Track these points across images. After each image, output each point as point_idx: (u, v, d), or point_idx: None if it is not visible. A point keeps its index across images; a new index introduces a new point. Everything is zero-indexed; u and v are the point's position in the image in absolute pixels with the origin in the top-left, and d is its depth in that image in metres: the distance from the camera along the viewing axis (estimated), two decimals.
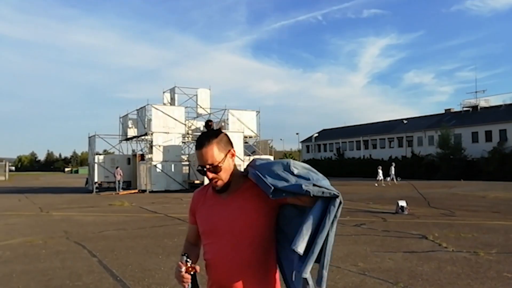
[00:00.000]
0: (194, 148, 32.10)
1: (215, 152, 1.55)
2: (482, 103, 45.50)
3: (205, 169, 1.56)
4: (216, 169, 1.55)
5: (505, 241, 7.72)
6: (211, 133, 1.59)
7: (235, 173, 1.62)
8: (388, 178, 30.06)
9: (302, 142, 63.84)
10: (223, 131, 1.65)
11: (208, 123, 1.63)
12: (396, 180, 30.46)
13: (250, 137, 29.19)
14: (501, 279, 5.24)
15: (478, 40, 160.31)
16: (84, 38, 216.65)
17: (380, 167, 30.15)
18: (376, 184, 28.47)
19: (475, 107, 45.52)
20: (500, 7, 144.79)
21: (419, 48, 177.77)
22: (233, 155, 1.62)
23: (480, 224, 9.81)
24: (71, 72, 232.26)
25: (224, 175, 1.57)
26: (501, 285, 4.98)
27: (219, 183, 1.58)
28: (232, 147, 1.63)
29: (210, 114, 28.74)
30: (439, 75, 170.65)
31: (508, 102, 43.54)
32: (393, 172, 30.29)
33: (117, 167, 25.83)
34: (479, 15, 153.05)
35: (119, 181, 25.23)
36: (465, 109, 46.72)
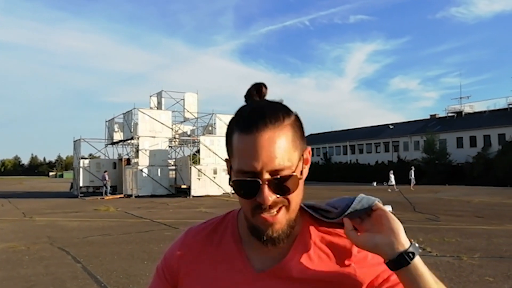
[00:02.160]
0: (180, 152, 32.62)
1: (287, 143, 0.73)
2: (467, 109, 46.52)
3: (259, 181, 0.71)
4: (284, 184, 0.73)
5: (488, 246, 7.89)
6: (281, 108, 0.76)
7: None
8: (411, 183, 29.19)
9: None
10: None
11: (259, 87, 0.80)
12: (413, 184, 29.12)
13: None
14: (483, 283, 5.37)
15: (463, 47, 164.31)
16: (72, 41, 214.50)
17: (392, 171, 28.91)
18: (390, 190, 26.78)
19: (459, 113, 46.50)
20: (484, 14, 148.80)
21: (405, 54, 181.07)
22: (306, 161, 0.80)
23: (464, 229, 10.00)
24: (59, 75, 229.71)
25: (294, 205, 0.76)
26: None
27: (279, 223, 0.75)
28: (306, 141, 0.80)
29: (197, 118, 28.73)
30: (424, 81, 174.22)
31: (492, 108, 44.66)
32: (413, 176, 29.46)
33: (105, 171, 25.67)
34: (464, 22, 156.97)
35: (105, 185, 25.05)
36: (450, 114, 47.69)
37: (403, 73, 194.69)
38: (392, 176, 27.87)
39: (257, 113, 0.74)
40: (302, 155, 0.78)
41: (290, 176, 0.73)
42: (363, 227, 0.77)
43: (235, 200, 21.81)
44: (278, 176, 0.72)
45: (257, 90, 0.79)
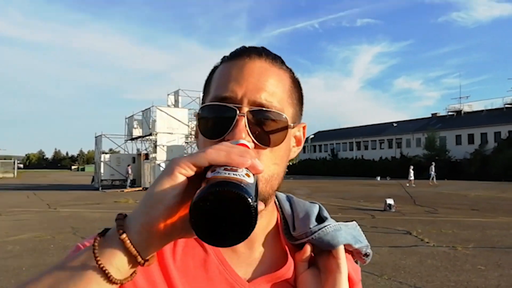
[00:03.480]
0: (195, 148, 32.76)
1: (283, 86, 0.57)
2: (466, 108, 45.98)
3: (236, 109, 0.52)
4: (267, 127, 0.53)
5: (481, 237, 7.86)
6: (277, 56, 0.60)
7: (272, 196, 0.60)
8: (431, 178, 28.55)
9: None
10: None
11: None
12: (432, 180, 28.30)
13: None
14: (475, 271, 5.37)
15: (463, 49, 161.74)
16: (95, 42, 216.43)
17: (412, 167, 28.33)
18: (408, 184, 26.45)
19: (459, 112, 45.96)
20: (484, 19, 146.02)
21: (409, 56, 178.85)
22: (298, 141, 0.62)
23: (460, 221, 9.93)
24: (81, 73, 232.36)
25: (271, 167, 0.54)
26: (475, 277, 5.11)
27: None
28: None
29: None
30: (426, 81, 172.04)
31: (489, 107, 44.12)
32: (433, 171, 28.58)
33: (128, 165, 26.24)
34: (464, 26, 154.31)
35: (127, 178, 25.47)
36: (450, 113, 47.17)
37: (406, 74, 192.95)
38: (411, 172, 27.55)
39: (254, 47, 0.58)
40: (293, 126, 0.56)
41: (280, 116, 0.53)
42: (312, 261, 0.60)
43: None
44: (263, 109, 0.52)
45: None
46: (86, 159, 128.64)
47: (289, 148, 0.58)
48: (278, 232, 0.63)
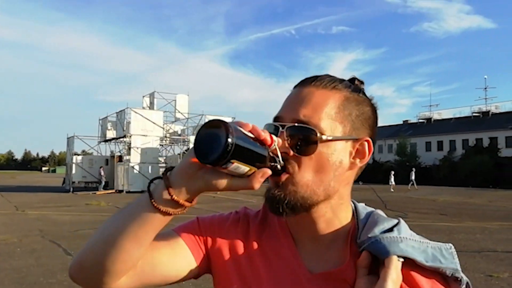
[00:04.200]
0: (170, 151, 32.53)
1: (326, 105, 0.65)
2: (436, 116, 47.74)
3: (278, 125, 0.65)
4: (299, 137, 0.63)
5: (448, 241, 7.65)
6: (346, 81, 0.71)
7: (343, 206, 0.71)
8: (410, 183, 29.14)
9: None
10: (374, 101, 0.73)
11: (353, 80, 0.73)
12: (412, 185, 28.91)
13: None
14: None
15: (434, 59, 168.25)
16: (70, 41, 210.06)
17: (393, 172, 29.06)
18: (392, 190, 26.42)
19: (429, 120, 47.66)
20: (453, 30, 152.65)
21: (382, 64, 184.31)
22: (359, 155, 0.69)
23: (429, 225, 10.24)
24: (55, 73, 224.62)
25: (309, 174, 0.64)
26: None
27: (283, 180, 0.64)
28: (373, 138, 0.70)
29: (187, 118, 28.58)
30: (399, 88, 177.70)
31: (457, 115, 45.94)
32: (413, 177, 29.16)
33: (101, 167, 25.61)
34: (435, 37, 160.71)
35: (100, 180, 24.84)
36: (420, 121, 48.82)
37: (380, 81, 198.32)
38: (392, 177, 28.39)
39: (315, 76, 0.69)
40: (353, 141, 0.66)
41: (309, 130, 0.62)
42: (375, 269, 0.65)
43: (221, 196, 21.72)
44: (296, 124, 0.63)
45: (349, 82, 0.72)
46: (58, 161, 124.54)
47: (336, 160, 0.65)
48: (348, 238, 0.70)
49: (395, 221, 0.69)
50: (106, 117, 29.04)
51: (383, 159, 44.76)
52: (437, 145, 42.53)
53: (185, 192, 0.60)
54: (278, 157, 0.60)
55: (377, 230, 0.66)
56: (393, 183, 28.12)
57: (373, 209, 0.76)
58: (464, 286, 0.64)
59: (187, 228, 0.76)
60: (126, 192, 23.57)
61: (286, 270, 0.69)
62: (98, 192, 23.36)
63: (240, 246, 0.72)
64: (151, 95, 28.81)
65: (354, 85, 0.71)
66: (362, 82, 0.73)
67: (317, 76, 0.68)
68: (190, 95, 29.50)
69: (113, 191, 24.36)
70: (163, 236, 0.71)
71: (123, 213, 0.65)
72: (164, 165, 27.13)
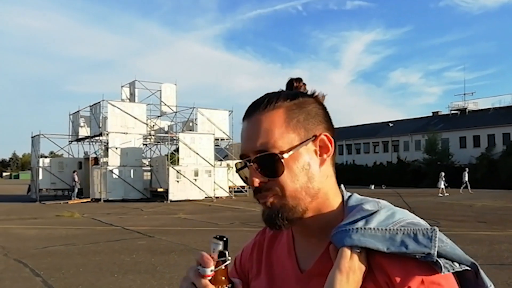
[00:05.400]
0: (156, 151, 32.41)
1: (274, 125, 0.81)
2: (471, 106, 47.63)
3: (247, 163, 0.82)
4: (266, 164, 0.80)
5: (489, 252, 8.18)
6: (282, 93, 0.86)
7: (330, 201, 0.85)
8: (463, 186, 28.79)
9: None
10: (316, 95, 0.89)
11: (289, 82, 0.91)
12: (465, 187, 28.77)
13: (222, 139, 29.24)
14: None
15: (467, 39, 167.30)
16: (27, 20, 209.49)
17: (443, 173, 28.31)
18: (441, 194, 26.24)
19: (463, 111, 47.56)
20: (490, 4, 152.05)
21: (406, 45, 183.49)
22: (324, 149, 0.84)
23: (465, 235, 10.27)
24: (11, 60, 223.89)
25: (289, 191, 0.80)
26: None
27: (270, 201, 0.81)
28: (330, 130, 0.86)
29: (176, 112, 28.60)
30: (426, 74, 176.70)
31: (497, 105, 45.71)
32: (466, 178, 28.93)
33: (74, 171, 25.71)
34: (468, 12, 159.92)
35: (74, 187, 25.06)
36: (453, 112, 48.74)
37: (404, 66, 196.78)
38: (443, 178, 27.39)
39: (255, 101, 0.87)
40: (306, 141, 0.83)
41: (270, 155, 0.80)
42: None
43: (218, 205, 21.72)
44: (258, 155, 0.81)
45: (287, 86, 0.91)
46: (21, 164, 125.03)
47: (304, 164, 0.82)
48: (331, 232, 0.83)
49: (373, 210, 0.81)
50: (78, 111, 29.13)
51: (409, 158, 44.82)
52: (473, 140, 42.51)
53: None
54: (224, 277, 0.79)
55: (343, 222, 0.80)
56: (443, 186, 27.20)
57: (371, 199, 0.87)
58: (444, 270, 0.72)
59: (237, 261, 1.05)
60: (104, 201, 23.68)
61: (282, 273, 0.90)
62: (70, 202, 23.45)
63: (255, 267, 0.97)
64: (131, 85, 28.86)
65: (294, 88, 0.90)
66: (300, 80, 0.91)
67: (256, 102, 0.86)
68: (178, 84, 29.53)
69: (89, 199, 24.47)
70: None
71: None
72: (148, 168, 27.23)
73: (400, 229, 0.76)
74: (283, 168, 0.80)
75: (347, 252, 0.76)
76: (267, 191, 0.81)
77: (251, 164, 0.81)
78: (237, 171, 0.88)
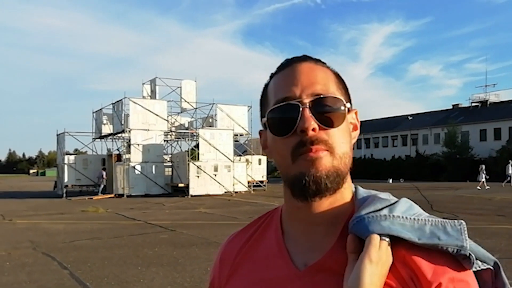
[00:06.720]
0: (177, 147, 32.59)
1: (329, 80, 0.75)
2: (492, 98, 46.39)
3: (298, 104, 0.70)
4: (327, 110, 0.71)
5: (508, 246, 8.05)
6: (318, 59, 0.80)
7: (347, 186, 0.77)
8: (506, 180, 27.79)
9: None
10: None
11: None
12: (509, 181, 27.59)
13: (241, 135, 29.32)
14: None
15: (489, 29, 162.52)
16: (49, 19, 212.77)
17: (483, 166, 27.23)
18: (479, 188, 25.19)
19: (484, 103, 46.37)
20: None
21: (426, 37, 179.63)
22: (354, 128, 0.78)
23: (484, 229, 10.10)
24: (35, 59, 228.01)
25: (339, 150, 0.71)
26: None
27: (323, 165, 0.69)
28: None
29: (196, 109, 28.75)
30: (447, 66, 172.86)
31: None
32: (510, 171, 27.75)
33: (103, 168, 26.47)
34: (491, 1, 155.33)
35: (101, 183, 25.72)
36: (473, 104, 47.57)
37: (423, 58, 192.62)
38: (484, 171, 26.16)
39: (297, 56, 0.78)
40: (349, 109, 0.75)
41: (335, 100, 0.71)
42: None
43: (238, 199, 21.77)
44: (321, 96, 0.70)
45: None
46: (47, 162, 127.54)
47: (350, 130, 0.75)
48: (342, 222, 0.74)
49: (392, 200, 0.73)
50: (101, 109, 29.53)
51: (428, 151, 44.04)
52: (493, 133, 41.46)
53: None
54: None
55: (364, 211, 0.70)
56: (484, 179, 25.89)
57: (378, 192, 0.79)
58: (476, 265, 0.67)
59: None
60: (127, 196, 24.05)
61: (270, 269, 0.76)
62: (95, 197, 23.91)
63: (232, 272, 0.82)
64: (152, 82, 29.05)
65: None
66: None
67: (303, 55, 0.78)
68: (198, 80, 29.60)
69: (112, 195, 24.87)
70: None
71: None
72: (169, 164, 27.51)
73: (428, 220, 0.68)
74: (343, 119, 0.71)
75: (376, 239, 0.66)
76: (319, 144, 0.68)
77: (306, 107, 0.69)
78: (273, 119, 0.72)
